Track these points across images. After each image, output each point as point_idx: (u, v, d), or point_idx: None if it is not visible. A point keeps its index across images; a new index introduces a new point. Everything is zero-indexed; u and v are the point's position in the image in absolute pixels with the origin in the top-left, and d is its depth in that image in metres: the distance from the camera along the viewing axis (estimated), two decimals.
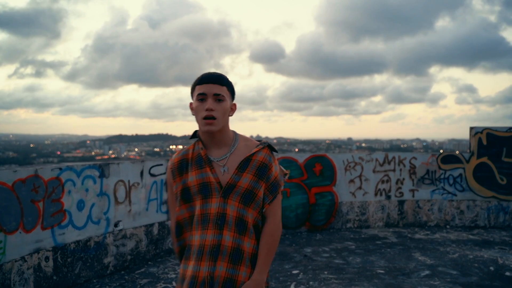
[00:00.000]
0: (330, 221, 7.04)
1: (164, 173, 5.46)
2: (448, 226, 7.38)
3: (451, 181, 7.39)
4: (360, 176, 7.20)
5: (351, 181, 7.15)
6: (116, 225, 4.92)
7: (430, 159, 7.41)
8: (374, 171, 7.27)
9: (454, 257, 5.59)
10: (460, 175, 7.39)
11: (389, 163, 7.35)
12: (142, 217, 5.23)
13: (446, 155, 7.41)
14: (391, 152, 7.42)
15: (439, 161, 7.39)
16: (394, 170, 7.37)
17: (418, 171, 7.40)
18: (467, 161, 7.39)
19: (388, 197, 7.35)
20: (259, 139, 1.84)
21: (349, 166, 7.14)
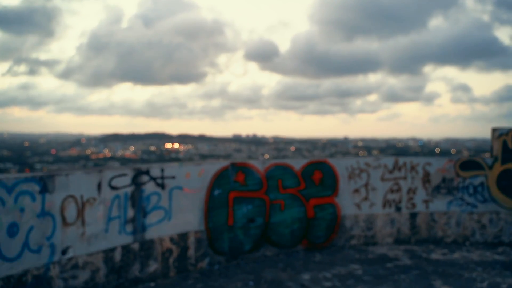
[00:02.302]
0: (331, 238, 6.03)
1: (130, 185, 4.44)
2: (467, 243, 6.39)
3: (471, 191, 6.40)
4: (366, 185, 6.19)
5: (356, 190, 6.14)
6: (64, 252, 3.89)
7: (446, 165, 6.41)
8: (382, 179, 6.27)
9: (483, 286, 4.60)
10: (482, 183, 6.39)
11: (399, 169, 6.35)
12: (100, 241, 4.20)
13: (465, 161, 6.42)
14: (402, 156, 6.42)
15: (458, 168, 6.40)
16: (405, 178, 6.36)
17: (433, 179, 6.40)
18: (490, 168, 6.39)
19: (398, 209, 6.35)
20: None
21: (354, 174, 6.13)
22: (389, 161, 6.32)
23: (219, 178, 5.20)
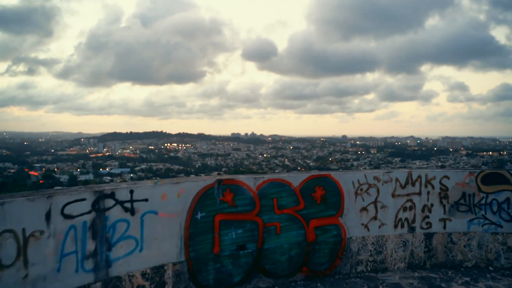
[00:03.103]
0: (335, 264, 5.20)
1: (90, 212, 3.61)
2: (491, 268, 5.57)
3: (495, 208, 5.59)
4: (375, 202, 5.36)
5: (364, 209, 5.31)
6: None
7: (466, 179, 5.59)
8: (393, 195, 5.44)
9: None
10: (508, 199, 5.58)
11: (413, 184, 5.52)
12: (50, 283, 3.37)
13: (488, 173, 5.60)
14: (416, 169, 5.60)
15: (479, 181, 5.58)
16: (419, 194, 5.54)
17: (451, 195, 5.58)
18: None
19: (412, 230, 5.53)
20: None
21: (361, 189, 5.30)
22: (401, 174, 5.49)
23: (203, 199, 4.37)
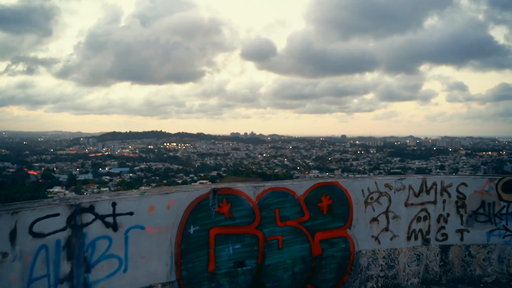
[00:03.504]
0: (342, 281, 4.72)
1: (64, 229, 3.13)
2: None
3: None
4: (386, 211, 4.89)
5: (374, 219, 4.84)
6: None
7: (486, 186, 5.12)
8: (406, 204, 4.97)
9: None
10: None
11: (427, 191, 5.05)
12: None
13: (510, 180, 5.12)
14: (431, 176, 5.13)
15: (500, 189, 5.10)
16: (434, 202, 5.07)
17: (469, 203, 5.11)
18: None
19: (427, 242, 5.05)
20: None
21: (371, 198, 4.82)
22: (414, 181, 5.01)
23: (196, 211, 3.90)
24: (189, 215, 3.85)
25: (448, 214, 5.09)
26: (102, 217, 3.33)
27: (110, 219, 3.38)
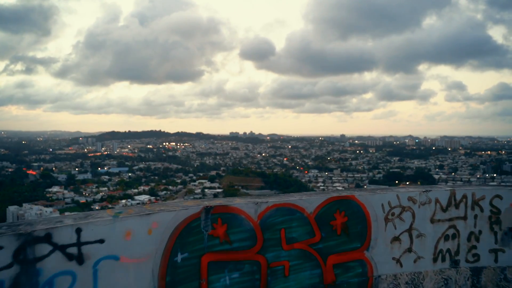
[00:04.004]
0: None
1: (9, 266, 2.42)
2: None
3: None
4: (410, 229, 4.18)
5: (395, 239, 4.13)
6: None
7: None
8: (432, 221, 4.26)
9: None
10: None
11: (456, 206, 4.34)
12: None
13: None
14: (460, 187, 4.43)
15: None
16: (464, 218, 4.36)
17: (505, 219, 4.40)
18: None
19: (456, 264, 4.34)
20: None
21: (392, 214, 4.11)
22: (442, 194, 4.31)
23: (185, 234, 3.19)
24: (175, 239, 3.14)
25: (480, 232, 4.38)
26: (62, 248, 2.62)
27: (73, 250, 2.67)
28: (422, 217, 4.22)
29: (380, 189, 4.29)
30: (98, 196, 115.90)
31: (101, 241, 2.78)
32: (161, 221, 3.06)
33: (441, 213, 4.29)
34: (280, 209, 3.61)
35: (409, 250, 4.18)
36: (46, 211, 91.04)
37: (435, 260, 4.28)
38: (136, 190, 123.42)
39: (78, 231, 2.69)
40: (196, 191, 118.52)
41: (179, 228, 3.15)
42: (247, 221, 3.45)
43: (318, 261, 3.79)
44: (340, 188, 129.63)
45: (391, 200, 4.11)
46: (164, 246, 3.08)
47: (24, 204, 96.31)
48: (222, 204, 3.35)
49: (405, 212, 4.15)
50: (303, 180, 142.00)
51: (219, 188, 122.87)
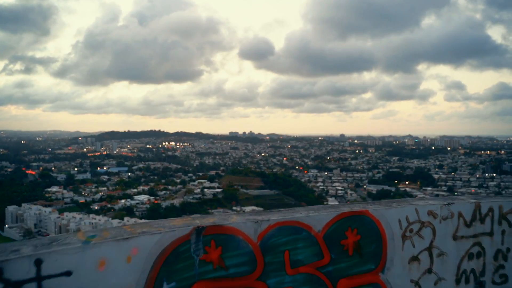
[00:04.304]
0: None
1: None
2: None
3: None
4: (430, 247, 3.69)
5: (414, 258, 3.64)
6: None
7: None
8: (455, 237, 3.78)
9: None
10: None
11: (481, 220, 3.86)
12: None
13: None
14: (486, 199, 3.94)
15: None
16: (491, 234, 3.88)
17: None
18: None
19: (481, 286, 3.86)
20: None
21: (410, 230, 3.62)
22: (465, 207, 3.82)
23: (172, 260, 2.69)
24: (160, 267, 2.64)
25: (508, 249, 3.90)
26: (18, 285, 2.13)
27: (32, 286, 2.17)
28: (443, 234, 3.73)
29: (397, 201, 3.79)
30: (98, 196, 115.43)
31: (68, 273, 2.29)
32: (142, 246, 2.57)
33: (465, 228, 3.80)
34: (283, 228, 3.11)
35: (429, 271, 3.69)
36: (45, 211, 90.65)
37: (458, 281, 3.79)
38: (135, 190, 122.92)
39: (38, 262, 2.19)
40: (195, 191, 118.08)
41: (164, 253, 2.65)
42: (246, 242, 2.95)
43: (327, 286, 3.30)
44: (340, 188, 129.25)
45: (409, 214, 3.62)
46: (147, 276, 2.59)
47: (23, 204, 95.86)
48: (216, 224, 2.86)
49: (424, 228, 3.67)
50: (303, 180, 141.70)
51: (218, 188, 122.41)
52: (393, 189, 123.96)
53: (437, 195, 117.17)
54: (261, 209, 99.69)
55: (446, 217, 3.74)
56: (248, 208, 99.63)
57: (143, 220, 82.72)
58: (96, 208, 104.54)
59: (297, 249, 3.16)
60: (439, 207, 3.73)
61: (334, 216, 3.32)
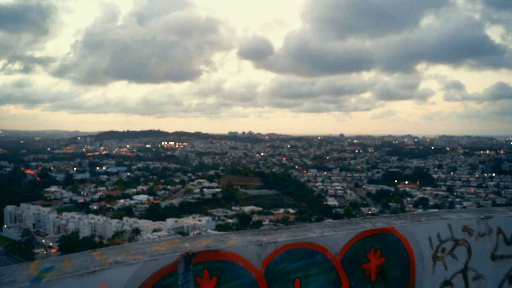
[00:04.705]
0: None
1: None
2: None
3: None
4: (464, 270, 3.11)
5: (447, 283, 3.06)
6: None
7: None
8: (494, 257, 3.20)
9: None
10: None
11: None
12: None
13: None
14: None
15: None
16: None
17: None
18: None
19: None
20: None
21: (443, 250, 3.05)
22: (505, 221, 3.24)
23: None
24: None
25: None
26: None
27: None
28: (480, 253, 3.15)
29: (425, 215, 3.21)
30: (96, 196, 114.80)
31: None
32: (114, 282, 1.98)
33: (505, 246, 3.23)
34: (293, 251, 2.53)
35: None
36: (44, 211, 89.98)
37: None
38: (134, 190, 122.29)
39: None
40: (194, 191, 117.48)
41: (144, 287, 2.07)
42: (247, 270, 2.37)
43: None
44: (339, 187, 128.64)
45: (441, 231, 3.04)
46: None
47: (21, 204, 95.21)
48: (210, 249, 2.27)
49: (458, 247, 3.09)
50: (302, 179, 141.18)
51: (217, 187, 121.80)
52: (392, 189, 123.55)
53: (436, 195, 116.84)
54: (260, 208, 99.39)
55: (483, 234, 3.16)
56: (247, 208, 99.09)
57: (141, 221, 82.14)
58: (95, 208, 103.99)
59: (310, 277, 2.58)
60: (475, 222, 3.16)
61: (354, 235, 2.74)
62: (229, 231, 2.59)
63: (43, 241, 76.40)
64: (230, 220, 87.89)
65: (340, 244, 2.67)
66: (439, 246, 3.03)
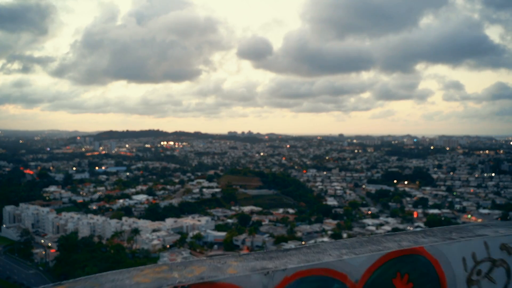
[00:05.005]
0: None
1: None
2: None
3: None
4: None
5: None
6: None
7: None
8: None
9: None
10: None
11: None
12: None
13: None
14: None
15: None
16: None
17: None
18: None
19: None
20: None
21: (478, 272, 2.60)
22: None
23: None
24: None
25: None
26: None
27: None
28: None
29: (456, 230, 2.76)
30: (96, 196, 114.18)
31: None
32: None
33: None
34: (307, 280, 2.08)
35: None
36: (43, 211, 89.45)
37: None
38: (133, 190, 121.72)
39: None
40: (194, 191, 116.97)
41: None
42: None
43: None
44: (338, 187, 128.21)
45: (476, 250, 2.60)
46: None
47: (20, 204, 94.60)
48: (204, 281, 1.82)
49: (496, 268, 2.65)
50: (302, 179, 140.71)
51: (217, 187, 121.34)
52: (392, 188, 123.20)
53: (436, 195, 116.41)
54: (259, 208, 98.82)
55: None
56: (246, 208, 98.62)
57: (140, 221, 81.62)
58: (94, 208, 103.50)
59: None
60: (510, 237, 2.72)
61: (378, 258, 2.29)
62: (228, 255, 2.13)
63: (42, 241, 75.91)
64: (229, 220, 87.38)
65: (361, 269, 2.22)
66: (474, 268, 2.58)
